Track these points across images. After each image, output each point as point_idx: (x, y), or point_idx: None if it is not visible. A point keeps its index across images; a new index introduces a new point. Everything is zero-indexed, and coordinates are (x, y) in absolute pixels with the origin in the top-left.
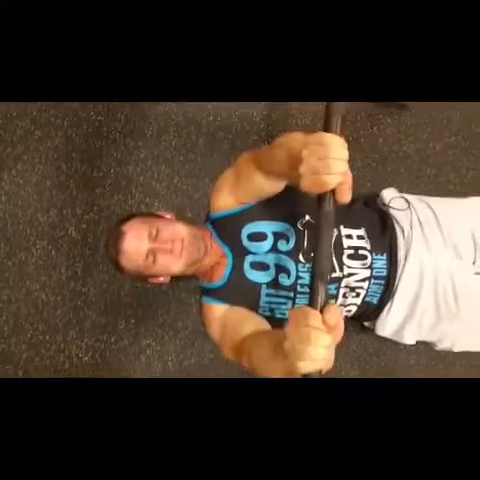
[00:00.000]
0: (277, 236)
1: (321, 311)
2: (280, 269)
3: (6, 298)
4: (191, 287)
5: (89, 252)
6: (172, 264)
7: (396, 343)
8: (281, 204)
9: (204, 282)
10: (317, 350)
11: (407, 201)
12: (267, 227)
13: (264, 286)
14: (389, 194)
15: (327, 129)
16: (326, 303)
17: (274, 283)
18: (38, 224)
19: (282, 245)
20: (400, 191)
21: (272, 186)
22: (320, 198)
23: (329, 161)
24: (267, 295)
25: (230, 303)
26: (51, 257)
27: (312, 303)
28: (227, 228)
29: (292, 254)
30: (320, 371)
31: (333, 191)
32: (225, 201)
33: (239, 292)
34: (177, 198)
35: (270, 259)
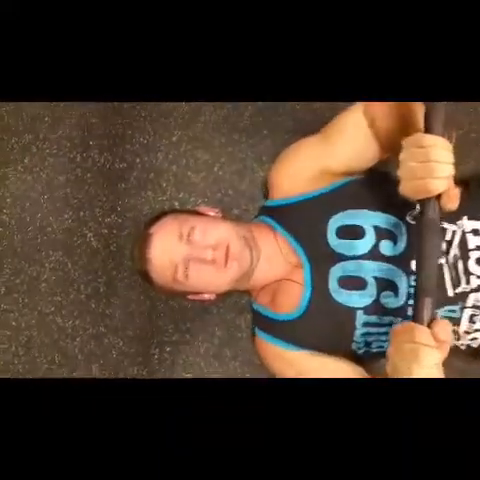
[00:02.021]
0: (380, 233)
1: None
2: (383, 285)
3: (15, 324)
4: (241, 304)
5: (113, 264)
6: (213, 279)
7: None
8: (382, 188)
9: (260, 304)
10: (427, 370)
11: None
12: (366, 218)
13: (360, 312)
14: None
15: (428, 130)
16: (432, 318)
17: (375, 306)
18: (51, 231)
19: (387, 247)
20: None
21: (377, 151)
22: (422, 203)
23: (431, 165)
24: (364, 325)
25: (309, 348)
26: (67, 271)
27: (417, 318)
28: (303, 219)
29: (401, 261)
30: None
31: (438, 196)
32: (302, 176)
33: (323, 327)
34: (219, 190)
35: (367, 270)
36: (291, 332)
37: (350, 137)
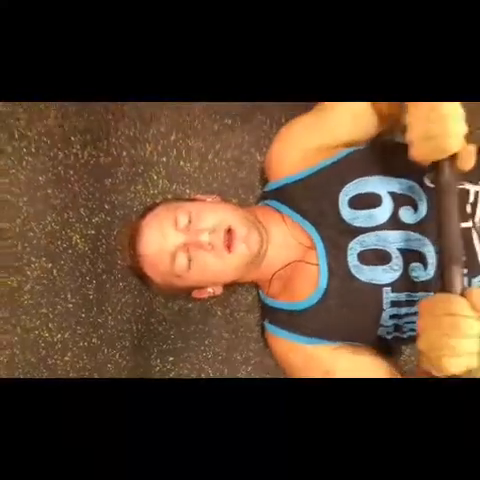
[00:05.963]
0: (398, 200)
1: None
2: (409, 256)
3: None
4: (248, 302)
5: (103, 267)
6: (218, 266)
7: None
8: (392, 153)
9: (272, 298)
10: (469, 341)
11: None
12: (379, 185)
13: (387, 290)
14: None
15: None
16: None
17: (403, 281)
18: (32, 236)
19: (406, 214)
20: None
21: (377, 120)
22: (437, 166)
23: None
24: (393, 304)
25: (330, 339)
26: (52, 280)
27: (448, 288)
28: (310, 195)
29: (425, 228)
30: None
31: (452, 157)
32: (302, 152)
33: (345, 311)
34: (215, 180)
35: (390, 241)
36: (309, 322)
37: (346, 109)
